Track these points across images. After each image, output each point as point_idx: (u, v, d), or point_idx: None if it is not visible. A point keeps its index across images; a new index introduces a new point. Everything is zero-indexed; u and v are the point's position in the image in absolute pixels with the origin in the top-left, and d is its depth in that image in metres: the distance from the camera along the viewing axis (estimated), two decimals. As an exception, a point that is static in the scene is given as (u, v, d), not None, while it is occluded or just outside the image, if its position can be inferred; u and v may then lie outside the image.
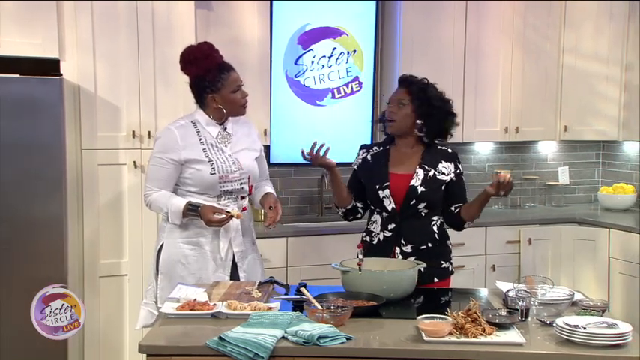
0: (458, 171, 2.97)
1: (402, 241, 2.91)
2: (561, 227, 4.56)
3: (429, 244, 2.92)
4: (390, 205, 2.93)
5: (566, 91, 4.84)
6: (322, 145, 2.89)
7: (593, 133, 4.89)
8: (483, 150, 5.05)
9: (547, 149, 5.21)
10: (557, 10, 4.78)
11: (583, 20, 4.77)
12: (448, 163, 2.96)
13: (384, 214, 2.95)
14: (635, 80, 4.61)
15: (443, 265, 2.94)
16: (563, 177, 5.12)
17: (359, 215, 3.11)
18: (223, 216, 2.80)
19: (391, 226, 2.94)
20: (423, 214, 2.92)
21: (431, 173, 2.92)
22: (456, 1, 4.54)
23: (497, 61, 4.69)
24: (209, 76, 2.89)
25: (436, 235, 2.94)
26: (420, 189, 2.88)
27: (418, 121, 2.92)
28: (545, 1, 4.75)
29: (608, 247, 4.39)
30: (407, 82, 2.97)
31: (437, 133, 2.97)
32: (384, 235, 2.95)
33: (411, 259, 2.84)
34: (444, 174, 2.93)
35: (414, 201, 2.89)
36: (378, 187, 2.94)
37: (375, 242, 2.96)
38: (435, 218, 2.95)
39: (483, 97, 4.68)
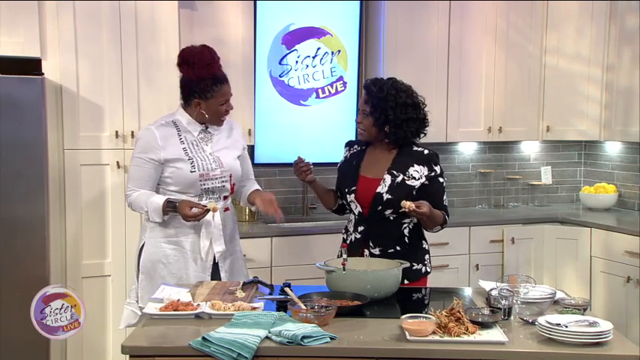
0: (432, 174, 2.89)
1: (371, 244, 2.91)
2: (544, 226, 4.60)
3: (398, 248, 2.89)
4: (356, 209, 2.94)
5: (548, 91, 4.88)
6: (307, 164, 3.00)
7: (576, 133, 4.93)
8: (467, 150, 5.07)
9: (530, 149, 5.24)
10: (539, 10, 4.82)
11: (564, 21, 4.81)
12: (421, 166, 2.89)
13: (355, 216, 2.97)
14: (616, 81, 4.66)
15: (414, 268, 2.90)
16: (546, 177, 5.16)
17: (347, 211, 3.12)
18: (199, 209, 2.79)
19: (360, 229, 2.94)
20: (392, 219, 2.89)
21: (399, 179, 2.87)
22: (440, 1, 4.57)
23: (481, 61, 4.71)
24: (202, 84, 2.87)
25: (406, 238, 2.91)
26: (386, 196, 2.85)
27: (385, 129, 2.89)
28: (527, 2, 4.78)
29: (590, 246, 4.43)
30: (367, 91, 2.94)
31: (402, 138, 2.91)
32: (355, 237, 2.96)
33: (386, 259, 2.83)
34: (414, 178, 2.87)
35: (380, 207, 2.87)
36: (346, 190, 2.96)
37: (348, 242, 2.98)
38: (407, 221, 2.91)
39: (467, 97, 4.70)
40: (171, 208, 2.83)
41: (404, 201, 2.73)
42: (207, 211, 2.82)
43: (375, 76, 3.34)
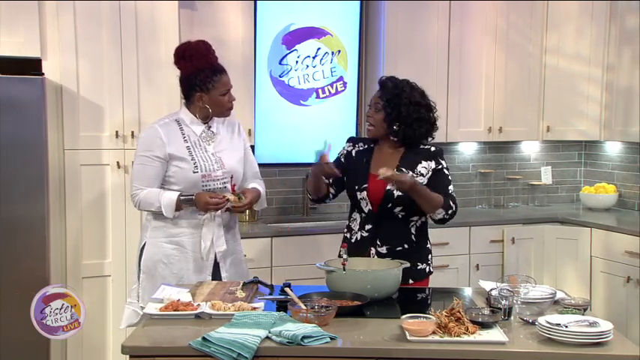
0: (439, 167, 2.92)
1: (378, 242, 2.92)
2: (544, 226, 4.60)
3: (405, 246, 2.91)
4: (366, 207, 2.94)
5: (548, 91, 4.88)
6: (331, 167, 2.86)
7: (576, 133, 4.93)
8: (467, 150, 5.07)
9: (530, 149, 5.24)
10: (539, 10, 4.82)
11: (564, 21, 4.81)
12: (428, 162, 2.92)
13: (362, 214, 2.97)
14: (616, 81, 4.66)
15: (419, 267, 2.92)
16: (546, 177, 5.16)
17: (327, 200, 3.10)
18: (219, 199, 2.80)
19: (368, 227, 2.94)
20: (401, 216, 2.91)
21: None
22: (440, 1, 4.57)
23: (481, 61, 4.71)
24: (201, 75, 2.88)
25: (413, 236, 2.93)
26: (397, 193, 2.85)
27: (394, 127, 2.90)
28: (527, 2, 4.78)
29: (590, 246, 4.43)
30: (382, 86, 2.95)
31: (410, 138, 2.92)
32: (361, 235, 2.96)
33: (386, 259, 2.84)
34: (422, 175, 2.90)
35: (390, 204, 2.88)
36: (357, 187, 2.96)
37: (353, 240, 2.98)
38: (415, 219, 2.93)
39: (467, 97, 4.70)
40: (186, 201, 2.83)
41: (381, 169, 2.70)
42: (228, 200, 2.82)
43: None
